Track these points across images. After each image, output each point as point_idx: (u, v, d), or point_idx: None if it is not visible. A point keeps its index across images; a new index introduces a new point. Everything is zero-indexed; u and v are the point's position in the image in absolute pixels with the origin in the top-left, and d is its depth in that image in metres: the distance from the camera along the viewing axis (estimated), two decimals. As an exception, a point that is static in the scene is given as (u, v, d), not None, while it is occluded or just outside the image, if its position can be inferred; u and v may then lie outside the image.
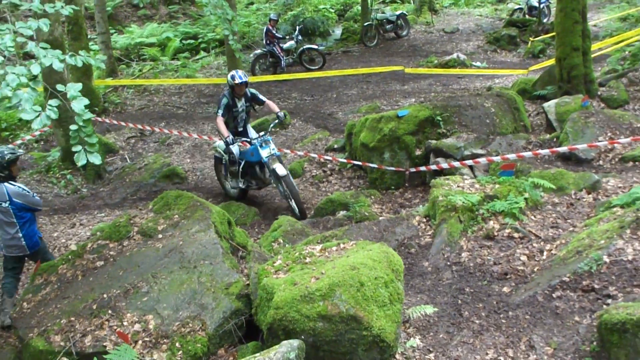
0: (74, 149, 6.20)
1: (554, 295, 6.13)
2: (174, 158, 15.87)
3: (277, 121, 12.15)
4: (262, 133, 11.81)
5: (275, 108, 11.98)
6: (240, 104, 11.85)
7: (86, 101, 6.19)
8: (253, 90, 12.11)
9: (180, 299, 6.37)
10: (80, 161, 6.12)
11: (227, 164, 12.48)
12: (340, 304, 5.01)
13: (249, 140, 11.74)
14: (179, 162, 15.55)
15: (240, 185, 12.33)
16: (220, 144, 12.33)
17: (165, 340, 6.05)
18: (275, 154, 11.43)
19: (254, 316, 5.95)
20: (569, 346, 5.37)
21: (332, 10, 32.11)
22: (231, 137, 11.31)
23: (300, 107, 19.37)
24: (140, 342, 6.04)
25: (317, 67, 22.85)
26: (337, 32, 29.13)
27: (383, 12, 29.23)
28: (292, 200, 11.09)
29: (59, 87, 6.28)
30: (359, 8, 29.54)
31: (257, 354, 4.85)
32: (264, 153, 11.33)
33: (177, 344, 6.00)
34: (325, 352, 5.08)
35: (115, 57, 24.43)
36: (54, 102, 6.00)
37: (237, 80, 11.46)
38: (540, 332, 5.64)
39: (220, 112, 11.52)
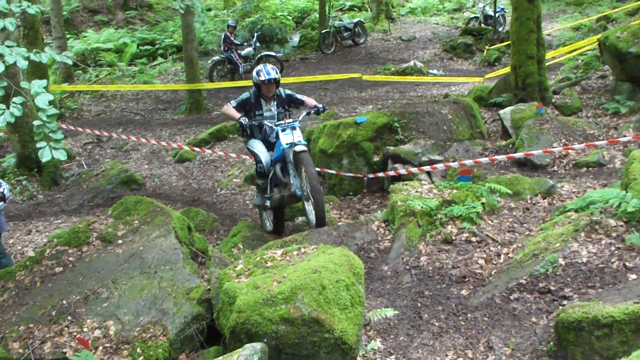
0: (38, 145, 6.11)
1: (511, 297, 6.23)
2: (131, 164, 15.83)
3: (313, 111, 9.84)
4: (290, 120, 9.41)
5: (313, 102, 9.95)
6: (269, 108, 9.64)
7: (50, 97, 6.11)
8: (288, 91, 9.98)
9: (141, 305, 6.34)
10: (45, 157, 6.03)
11: (254, 175, 10.44)
12: (303, 307, 5.03)
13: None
14: (137, 168, 15.51)
15: (267, 200, 10.00)
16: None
17: (126, 346, 6.02)
18: (300, 143, 9.14)
19: (216, 321, 5.94)
20: (526, 346, 5.47)
21: (290, 18, 32.28)
22: (246, 119, 9.32)
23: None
24: (100, 348, 6.00)
25: (274, 74, 22.87)
26: (295, 39, 29.25)
27: (341, 20, 29.38)
28: (311, 200, 8.99)
29: (23, 84, 6.25)
30: (317, 15, 29.68)
31: (220, 358, 4.87)
32: (286, 139, 9.12)
33: (138, 350, 5.97)
34: (287, 355, 5.10)
35: (72, 63, 24.15)
36: (18, 99, 5.96)
37: (263, 77, 9.32)
38: (498, 334, 5.72)
39: (233, 103, 9.60)
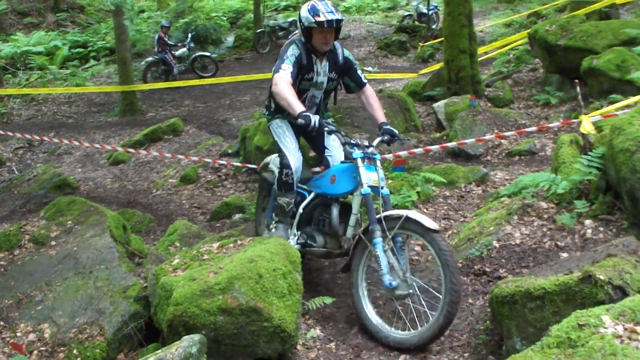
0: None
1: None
2: (64, 168, 15.61)
3: (386, 137, 6.43)
4: (366, 143, 6.15)
5: (380, 113, 6.72)
6: (322, 68, 6.43)
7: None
8: (349, 55, 6.67)
9: (76, 306, 6.24)
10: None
11: (275, 189, 6.91)
12: (240, 296, 5.02)
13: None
14: (70, 172, 15.30)
15: (292, 240, 6.67)
16: (274, 159, 7.28)
17: (62, 348, 5.93)
18: (384, 193, 5.99)
19: (153, 317, 5.89)
20: (464, 327, 5.58)
21: (225, 18, 32.19)
22: (317, 118, 5.79)
23: (194, 114, 19.32)
24: (35, 352, 5.90)
25: (209, 74, 22.84)
26: (230, 39, 29.18)
27: (275, 20, 29.43)
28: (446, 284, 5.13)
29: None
30: (252, 16, 29.64)
31: (159, 351, 4.82)
32: (369, 178, 5.88)
33: (74, 351, 5.88)
34: (227, 346, 5.08)
35: (0, 66, 23.82)
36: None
37: (323, 17, 6.02)
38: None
39: (287, 66, 6.03)
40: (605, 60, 11.72)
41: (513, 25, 25.20)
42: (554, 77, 14.03)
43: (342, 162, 6.54)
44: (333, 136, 6.73)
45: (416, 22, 28.76)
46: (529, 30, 16.12)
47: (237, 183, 12.95)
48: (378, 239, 5.58)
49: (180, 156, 13.49)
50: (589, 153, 6.89)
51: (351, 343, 5.70)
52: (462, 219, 7.99)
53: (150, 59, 23.15)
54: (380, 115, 6.68)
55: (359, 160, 5.90)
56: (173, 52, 22.99)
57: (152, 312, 5.89)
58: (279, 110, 6.63)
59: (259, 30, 27.36)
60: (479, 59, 15.58)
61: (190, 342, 4.79)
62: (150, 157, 15.29)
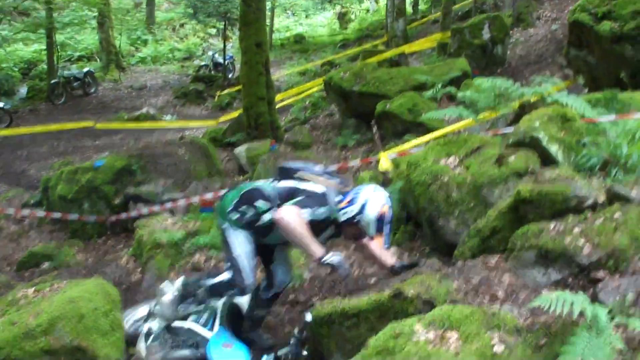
0: None
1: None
2: None
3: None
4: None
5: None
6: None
7: None
8: None
9: None
10: None
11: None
12: (63, 336, 4.98)
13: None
14: None
15: None
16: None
17: None
18: None
19: (-31, 368, 5.70)
20: (286, 354, 5.75)
21: (16, 69, 31.10)
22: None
23: (-11, 167, 18.56)
24: None
25: (4, 126, 21.95)
26: (23, 90, 28.18)
27: (70, 70, 28.77)
28: None
29: None
30: (45, 66, 28.89)
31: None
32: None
33: None
34: (53, 389, 5.01)
35: None
36: None
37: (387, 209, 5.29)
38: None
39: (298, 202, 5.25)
40: (397, 104, 12.40)
41: (307, 73, 26.05)
42: (350, 121, 14.65)
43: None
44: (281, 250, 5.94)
45: (212, 72, 29.07)
46: (324, 78, 16.74)
47: (42, 233, 12.56)
48: None
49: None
50: (388, 188, 7.31)
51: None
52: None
53: (-62, 111, 22.03)
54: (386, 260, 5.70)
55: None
56: (-37, 105, 22.02)
57: (-31, 362, 5.68)
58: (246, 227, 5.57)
59: (53, 81, 26.56)
60: (277, 106, 16.00)
61: (16, 385, 4.70)
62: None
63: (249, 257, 5.53)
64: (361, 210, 5.13)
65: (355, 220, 5.18)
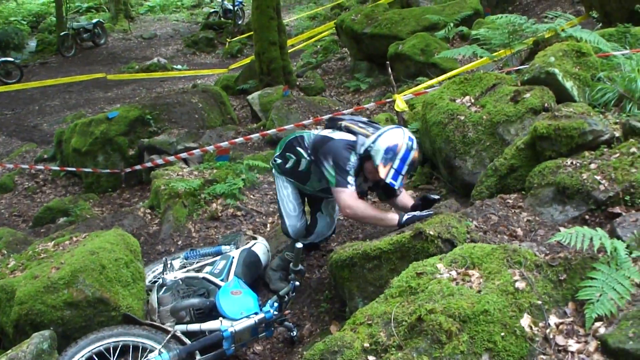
0: None
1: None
2: None
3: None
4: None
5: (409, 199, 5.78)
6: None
7: None
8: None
9: None
10: None
11: None
12: (85, 288, 5.01)
13: None
14: None
15: None
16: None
17: None
18: None
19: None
20: (304, 299, 5.82)
21: (25, 22, 30.97)
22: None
23: (2, 122, 18.59)
24: None
25: (14, 80, 21.90)
26: (32, 44, 28.12)
27: (79, 22, 28.67)
28: None
29: None
30: (53, 19, 28.75)
31: (9, 351, 4.72)
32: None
33: None
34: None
35: None
36: None
37: (389, 176, 5.10)
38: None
39: (351, 179, 5.25)
40: (410, 46, 12.33)
41: (317, 17, 25.86)
42: (362, 65, 14.61)
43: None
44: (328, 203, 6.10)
45: (222, 19, 28.91)
46: (334, 21, 16.64)
47: (56, 187, 12.67)
48: None
49: (-8, 164, 13.01)
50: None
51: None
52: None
53: (-53, 67, 22.00)
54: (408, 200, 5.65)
55: None
56: (-28, 59, 21.97)
57: (-7, 316, 5.73)
58: (287, 173, 5.87)
59: (62, 33, 26.47)
60: (288, 52, 15.92)
61: (40, 338, 4.72)
62: (-40, 168, 14.64)
63: (288, 202, 5.88)
64: (374, 141, 5.15)
65: (369, 151, 5.18)
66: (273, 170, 6.07)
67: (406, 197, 5.71)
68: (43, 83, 19.65)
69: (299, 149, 5.60)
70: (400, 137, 5.12)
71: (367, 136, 5.36)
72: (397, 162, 5.04)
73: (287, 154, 5.74)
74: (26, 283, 5.17)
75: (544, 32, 8.05)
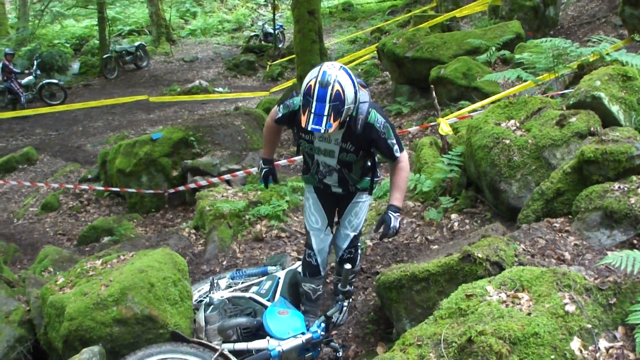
0: None
1: (327, 280, 6.62)
2: None
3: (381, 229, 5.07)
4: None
5: (395, 194, 5.19)
6: (329, 134, 5.02)
7: None
8: (376, 121, 5.04)
9: (-43, 335, 6.15)
10: None
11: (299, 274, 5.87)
12: (134, 306, 5.09)
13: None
14: None
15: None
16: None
17: (-50, 379, 5.84)
18: None
19: (41, 338, 5.83)
20: (349, 320, 5.86)
21: (68, 45, 31.51)
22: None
23: (47, 143, 18.89)
24: None
25: (58, 102, 22.27)
26: (75, 66, 28.59)
27: (121, 44, 29.12)
28: None
29: None
30: (96, 41, 29.24)
31: (59, 366, 4.85)
32: None
33: (-40, 380, 5.82)
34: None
35: None
36: None
37: (304, 121, 4.63)
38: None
39: (276, 109, 5.40)
40: (452, 70, 12.33)
41: (358, 41, 25.94)
42: (404, 88, 14.62)
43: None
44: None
45: (263, 42, 29.13)
46: (375, 45, 16.71)
47: (100, 207, 12.85)
48: None
49: (40, 184, 13.24)
50: (449, 152, 7.36)
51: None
52: (333, 223, 8.34)
53: (-5, 88, 22.40)
54: (393, 195, 5.17)
55: None
56: (19, 81, 22.18)
57: (42, 331, 5.83)
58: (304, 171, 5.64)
59: (105, 56, 26.96)
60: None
61: (90, 354, 4.83)
62: (7, 187, 14.90)
63: (309, 213, 5.60)
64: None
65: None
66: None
67: (395, 191, 5.17)
68: (86, 105, 19.93)
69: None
70: (312, 75, 4.64)
71: None
72: (314, 105, 4.56)
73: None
74: (76, 299, 5.26)
75: (588, 55, 8.05)
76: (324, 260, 5.48)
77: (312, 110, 4.58)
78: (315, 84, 4.58)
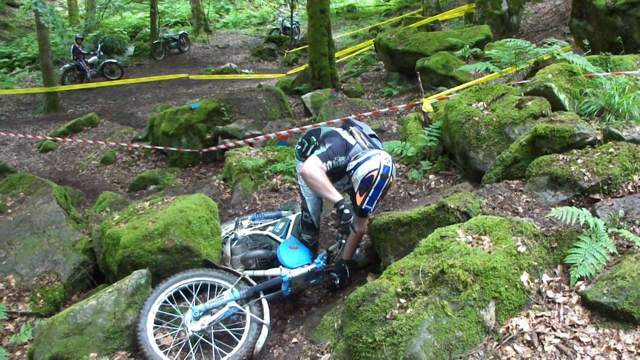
0: None
1: (328, 224, 6.70)
2: (1, 157, 15.00)
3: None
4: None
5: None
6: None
7: None
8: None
9: (35, 259, 6.20)
10: None
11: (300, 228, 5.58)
12: (175, 238, 5.17)
13: None
14: (7, 159, 14.69)
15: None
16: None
17: (27, 293, 5.90)
18: None
19: (100, 263, 5.92)
20: (334, 247, 5.83)
21: (125, 32, 31.40)
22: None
23: (106, 110, 18.86)
24: (5, 297, 5.85)
25: (117, 77, 22.21)
26: (131, 49, 28.38)
27: (168, 33, 29.13)
28: None
29: None
30: (148, 30, 29.14)
31: (115, 284, 4.92)
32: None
33: (38, 294, 5.88)
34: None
35: None
36: None
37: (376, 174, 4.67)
38: (325, 247, 6.09)
39: (328, 164, 4.79)
40: (434, 61, 12.29)
41: (358, 36, 25.84)
42: (395, 75, 14.58)
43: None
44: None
45: (282, 34, 28.98)
46: (374, 39, 16.64)
47: (148, 162, 12.90)
48: None
49: (100, 142, 13.23)
50: (429, 126, 7.38)
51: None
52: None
53: (67, 65, 22.13)
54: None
55: None
56: (86, 60, 22.10)
57: (100, 258, 5.92)
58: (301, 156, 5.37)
59: (155, 42, 26.83)
60: (335, 62, 15.97)
61: (139, 275, 4.92)
62: (74, 145, 14.93)
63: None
64: (356, 167, 4.71)
65: (351, 174, 4.77)
66: (294, 157, 5.63)
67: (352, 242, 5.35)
68: (138, 80, 19.85)
69: (312, 137, 5.18)
70: (375, 167, 4.64)
71: (363, 147, 4.95)
72: (372, 191, 4.64)
73: (304, 140, 5.34)
74: (128, 232, 5.37)
75: (543, 54, 8.01)
76: (317, 219, 5.45)
77: (369, 195, 4.66)
78: (377, 176, 4.62)
